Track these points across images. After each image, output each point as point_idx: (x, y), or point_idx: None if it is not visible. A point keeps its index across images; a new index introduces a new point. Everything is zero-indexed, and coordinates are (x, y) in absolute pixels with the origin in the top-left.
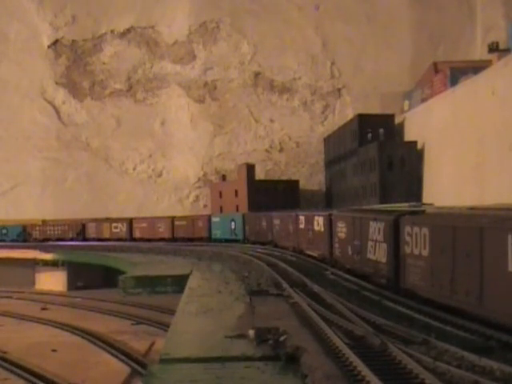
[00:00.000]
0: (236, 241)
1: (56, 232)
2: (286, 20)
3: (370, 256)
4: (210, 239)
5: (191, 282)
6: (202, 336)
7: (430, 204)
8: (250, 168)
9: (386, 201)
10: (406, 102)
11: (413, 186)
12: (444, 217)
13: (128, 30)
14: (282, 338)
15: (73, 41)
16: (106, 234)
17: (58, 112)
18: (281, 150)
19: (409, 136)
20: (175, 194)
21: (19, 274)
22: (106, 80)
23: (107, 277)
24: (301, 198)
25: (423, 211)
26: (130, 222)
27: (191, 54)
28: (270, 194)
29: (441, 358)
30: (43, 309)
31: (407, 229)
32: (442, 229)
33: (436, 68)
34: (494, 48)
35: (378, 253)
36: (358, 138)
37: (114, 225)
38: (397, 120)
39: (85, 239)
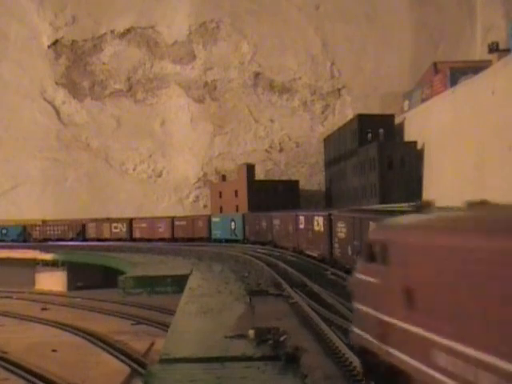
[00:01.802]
0: (236, 241)
1: (56, 232)
2: (285, 20)
3: None
4: (209, 239)
5: (191, 282)
6: (201, 336)
7: None
8: (250, 168)
9: (385, 201)
10: (406, 102)
11: (413, 186)
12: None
13: (128, 30)
14: (281, 338)
15: (73, 41)
16: (106, 235)
17: (58, 112)
18: (281, 150)
19: (409, 136)
20: (175, 194)
21: (19, 274)
22: (106, 80)
23: (107, 277)
24: (301, 198)
25: None
26: (129, 222)
27: (191, 54)
28: (270, 194)
29: None
30: (43, 309)
31: None
32: None
33: (436, 68)
34: (493, 48)
35: None
36: (358, 138)
37: (113, 225)
38: (397, 120)
39: (85, 239)
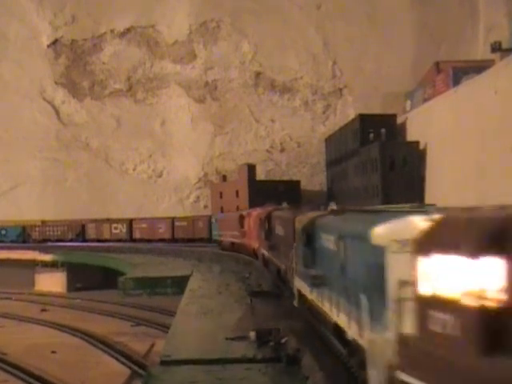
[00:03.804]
0: None
1: (55, 233)
2: (286, 19)
3: None
4: (210, 240)
5: (191, 284)
6: (202, 338)
7: (433, 205)
8: (251, 168)
9: (388, 201)
10: (408, 102)
11: (415, 186)
12: None
13: (128, 30)
14: (283, 340)
15: (72, 40)
16: (106, 235)
17: (57, 112)
18: (282, 151)
19: (411, 136)
20: (175, 194)
21: (19, 275)
22: (105, 80)
23: (107, 278)
24: (302, 199)
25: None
26: (129, 222)
27: (191, 53)
28: (271, 195)
29: None
30: (43, 310)
31: None
32: None
33: (438, 68)
34: (496, 47)
35: None
36: (360, 139)
37: (113, 226)
38: (399, 120)
39: (84, 240)
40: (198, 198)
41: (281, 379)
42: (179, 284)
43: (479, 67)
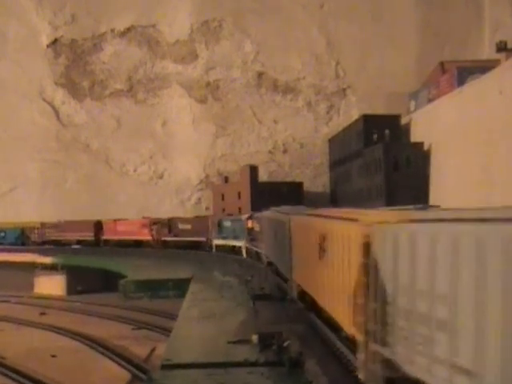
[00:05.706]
0: None
1: (55, 235)
2: (289, 19)
3: None
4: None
5: (193, 286)
6: (204, 341)
7: (437, 206)
8: (253, 170)
9: (391, 203)
10: (413, 103)
11: (419, 187)
12: None
13: (128, 29)
14: (285, 343)
15: (72, 40)
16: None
17: (57, 112)
18: (284, 152)
19: (415, 137)
20: (177, 196)
21: (18, 278)
22: (106, 80)
23: (107, 281)
24: (305, 200)
25: None
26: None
27: (193, 53)
28: (274, 196)
29: None
30: (42, 313)
31: None
32: None
33: (443, 68)
34: (501, 47)
35: None
36: (364, 139)
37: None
38: (403, 120)
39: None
40: (199, 199)
41: (284, 383)
42: (180, 287)
43: (484, 67)
